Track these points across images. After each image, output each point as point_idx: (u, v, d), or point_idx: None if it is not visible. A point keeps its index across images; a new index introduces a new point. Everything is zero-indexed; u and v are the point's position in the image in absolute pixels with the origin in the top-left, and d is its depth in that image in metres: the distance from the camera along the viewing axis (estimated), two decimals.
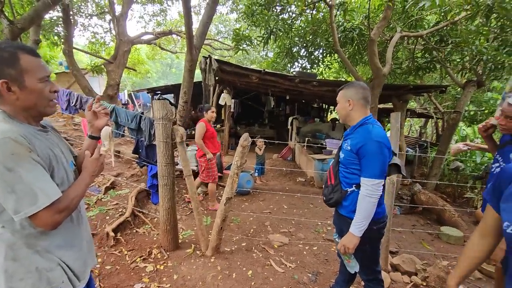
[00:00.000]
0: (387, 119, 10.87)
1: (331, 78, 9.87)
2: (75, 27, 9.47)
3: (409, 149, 7.50)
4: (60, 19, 7.66)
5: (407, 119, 11.95)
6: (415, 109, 9.54)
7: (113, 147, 4.53)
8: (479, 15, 4.09)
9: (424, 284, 2.58)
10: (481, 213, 4.52)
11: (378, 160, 1.55)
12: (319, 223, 3.77)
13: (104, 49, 11.33)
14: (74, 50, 8.07)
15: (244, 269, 2.64)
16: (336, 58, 7.08)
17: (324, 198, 1.85)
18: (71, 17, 7.58)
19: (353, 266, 1.75)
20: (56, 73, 11.80)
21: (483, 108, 7.48)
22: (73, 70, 7.62)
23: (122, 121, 3.28)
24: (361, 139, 1.60)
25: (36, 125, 1.06)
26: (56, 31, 8.10)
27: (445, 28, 4.96)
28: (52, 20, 8.01)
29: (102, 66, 8.94)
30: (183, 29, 11.80)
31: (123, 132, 3.55)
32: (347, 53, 6.46)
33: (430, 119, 10.92)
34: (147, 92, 12.42)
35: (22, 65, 0.95)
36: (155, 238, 3.10)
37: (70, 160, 1.15)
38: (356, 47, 6.07)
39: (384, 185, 1.71)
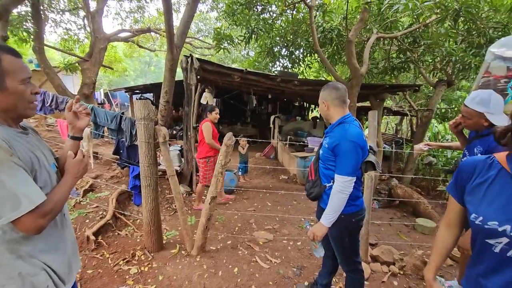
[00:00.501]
0: (365, 117, 11.27)
1: (312, 78, 10.06)
2: (46, 23, 8.99)
3: (386, 146, 7.83)
4: (29, 14, 7.25)
5: (384, 117, 12.44)
6: (391, 107, 9.96)
7: (91, 148, 4.38)
8: (448, 18, 4.35)
9: (401, 272, 2.73)
10: None
11: (350, 159, 1.65)
12: (303, 219, 3.86)
13: (78, 46, 10.83)
14: (45, 47, 7.66)
15: (230, 266, 2.67)
16: (316, 57, 7.23)
17: (306, 192, 1.94)
18: (41, 13, 7.19)
19: (319, 252, 1.90)
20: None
21: (453, 106, 7.95)
22: (44, 68, 7.23)
23: (102, 121, 3.18)
24: (337, 137, 1.69)
25: (16, 127, 1.03)
26: (25, 27, 7.65)
27: (417, 30, 5.23)
28: (21, 15, 7.56)
29: (77, 64, 8.56)
30: (162, 26, 11.56)
31: (102, 132, 3.45)
32: (326, 53, 6.62)
33: (405, 117, 11.44)
34: (125, 91, 12.06)
35: (4, 66, 0.92)
36: (138, 240, 3.05)
37: (52, 162, 1.12)
38: (335, 47, 6.23)
39: (361, 181, 1.81)
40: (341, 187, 1.64)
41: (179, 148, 5.16)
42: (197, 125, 7.63)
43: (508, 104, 1.76)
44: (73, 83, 12.59)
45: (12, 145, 0.91)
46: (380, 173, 5.99)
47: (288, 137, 7.27)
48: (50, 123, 7.43)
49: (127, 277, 2.44)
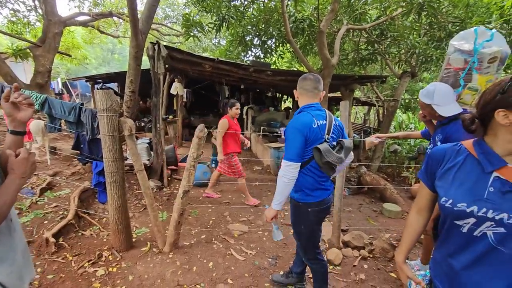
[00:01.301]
0: (336, 107, 11.60)
1: (284, 68, 10.07)
2: None
3: (355, 135, 8.12)
4: None
5: (353, 107, 12.89)
6: (359, 98, 10.33)
7: (47, 143, 4.00)
8: (413, 12, 4.52)
9: (371, 256, 2.86)
10: (415, 189, 5.12)
11: (289, 144, 1.69)
12: (266, 206, 3.88)
13: (29, 30, 9.77)
14: None
15: (205, 261, 2.61)
16: (288, 48, 7.21)
17: None
18: None
19: (274, 234, 2.01)
20: None
21: (416, 97, 8.42)
22: None
23: (58, 113, 2.89)
24: (287, 125, 1.76)
25: None
26: None
27: (384, 22, 5.39)
28: None
29: (28, 50, 7.73)
30: (126, 11, 10.79)
31: (59, 126, 3.14)
32: (298, 43, 6.62)
33: (373, 107, 11.95)
34: (86, 81, 11.19)
35: None
36: (105, 240, 2.86)
37: None
38: (307, 37, 6.24)
39: (323, 173, 1.76)
40: (282, 171, 1.70)
41: (148, 141, 4.91)
42: (167, 116, 7.34)
43: (462, 94, 1.86)
44: (24, 71, 11.43)
45: None
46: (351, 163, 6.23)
47: (261, 127, 7.25)
48: None
49: (93, 279, 2.28)
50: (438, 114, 1.84)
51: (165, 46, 4.38)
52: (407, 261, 1.17)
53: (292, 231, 2.17)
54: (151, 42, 4.31)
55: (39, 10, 8.70)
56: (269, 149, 6.02)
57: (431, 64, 5.69)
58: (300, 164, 1.69)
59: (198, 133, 2.40)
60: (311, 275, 2.42)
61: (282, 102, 13.46)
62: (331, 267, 2.63)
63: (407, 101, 8.68)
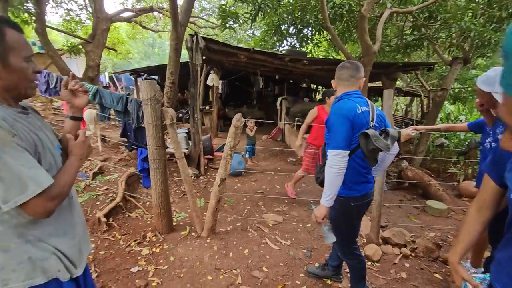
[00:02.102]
0: (374, 98, 10.99)
1: (320, 57, 9.75)
2: (47, 3, 8.78)
3: (395, 128, 7.65)
4: None
5: (393, 97, 12.13)
6: (401, 88, 9.65)
7: (99, 131, 4.36)
8: None
9: (413, 254, 2.71)
10: (463, 187, 4.71)
11: (336, 132, 1.58)
12: (312, 201, 3.83)
13: (80, 27, 10.62)
14: (48, 29, 7.52)
15: (240, 248, 2.68)
16: (325, 36, 6.94)
17: (315, 176, 1.88)
18: None
19: (327, 237, 1.77)
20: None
21: (467, 86, 7.64)
22: (48, 51, 7.14)
23: (107, 103, 3.13)
24: (329, 114, 1.66)
25: (16, 107, 0.96)
26: (26, 7, 7.47)
27: (434, 4, 4.91)
28: None
29: (80, 47, 8.41)
30: (165, 5, 11.18)
31: (109, 115, 3.40)
32: (336, 30, 6.33)
33: (415, 98, 11.11)
34: (130, 74, 11.91)
35: (8, 42, 0.85)
36: (148, 222, 3.07)
37: (56, 144, 1.07)
38: (346, 24, 5.94)
39: (368, 164, 1.68)
40: (330, 161, 1.57)
41: (186, 131, 5.11)
42: (204, 107, 7.55)
43: None
44: (77, 66, 12.48)
45: (14, 126, 0.85)
46: (398, 155, 5.89)
47: (296, 119, 7.14)
48: (56, 106, 7.42)
49: (139, 258, 2.47)
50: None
51: (202, 37, 4.47)
52: (461, 262, 1.07)
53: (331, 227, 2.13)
54: (189, 34, 4.42)
55: (89, 8, 9.37)
56: (304, 140, 5.91)
57: (487, 48, 5.09)
58: (348, 152, 1.58)
59: (235, 122, 2.43)
60: (348, 270, 2.38)
61: (317, 93, 13.10)
62: (369, 263, 2.55)
63: (456, 90, 7.91)
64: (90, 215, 3.02)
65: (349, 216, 1.77)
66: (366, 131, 1.56)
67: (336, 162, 1.55)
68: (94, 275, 2.19)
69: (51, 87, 3.36)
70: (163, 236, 2.81)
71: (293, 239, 2.90)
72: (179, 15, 3.75)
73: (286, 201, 3.86)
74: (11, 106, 0.93)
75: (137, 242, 2.69)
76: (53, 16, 32.56)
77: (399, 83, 10.91)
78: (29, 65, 0.93)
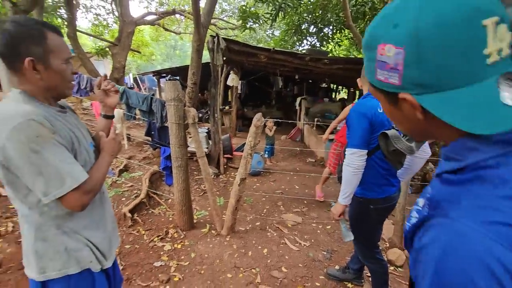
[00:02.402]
0: None
1: (341, 56, 9.56)
2: (78, 9, 9.28)
3: None
4: (62, 0, 7.49)
5: None
6: None
7: (125, 130, 4.55)
8: None
9: None
10: None
11: (354, 131, 1.56)
12: (332, 203, 3.76)
13: (107, 31, 11.13)
14: (78, 33, 7.94)
15: (260, 247, 2.69)
16: (346, 34, 6.81)
17: (337, 176, 1.84)
18: None
19: (345, 236, 1.75)
20: None
21: None
22: (78, 54, 7.54)
23: (133, 102, 3.26)
24: (349, 111, 1.63)
25: (55, 106, 1.03)
26: (59, 13, 7.95)
27: None
28: (54, 2, 7.84)
29: (107, 49, 8.82)
30: (187, 8, 11.45)
31: (134, 114, 3.54)
32: (358, 29, 6.19)
33: None
34: (153, 75, 12.30)
35: (49, 44, 0.91)
36: (170, 219, 3.16)
37: (90, 141, 1.13)
38: (368, 22, 5.80)
39: (390, 167, 1.61)
40: (347, 159, 1.56)
41: (206, 131, 5.20)
42: (224, 107, 7.66)
43: None
44: (104, 68, 13.07)
45: (53, 124, 0.91)
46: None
47: (315, 119, 7.06)
48: (85, 106, 7.82)
49: (161, 253, 2.55)
50: None
51: (223, 38, 4.54)
52: None
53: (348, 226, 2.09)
54: (211, 36, 4.50)
55: (116, 13, 9.78)
56: None
57: None
58: (366, 151, 1.56)
59: (255, 122, 2.45)
60: (369, 273, 2.32)
61: (337, 93, 12.86)
62: (391, 268, 2.47)
63: None
64: (116, 210, 3.15)
65: (369, 218, 1.72)
66: (386, 131, 1.48)
67: (353, 161, 1.54)
68: (120, 268, 2.28)
69: (82, 88, 3.55)
70: (184, 232, 2.88)
71: (313, 241, 2.87)
72: (201, 17, 3.83)
73: (305, 201, 3.83)
74: (51, 105, 1.00)
75: (159, 237, 2.78)
76: (83, 21, 34.32)
77: None
78: (67, 67, 0.98)
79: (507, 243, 0.34)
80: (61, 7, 7.89)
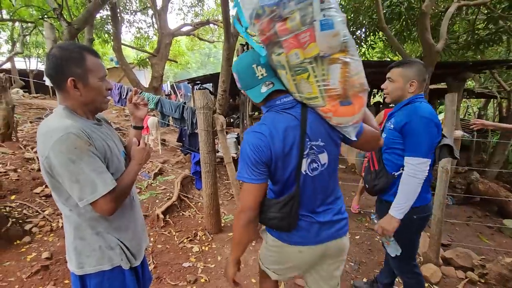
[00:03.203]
0: (438, 101, 9.88)
1: (375, 59, 9.20)
2: (122, 24, 10.11)
3: (465, 134, 6.78)
4: (109, 17, 8.22)
5: (464, 100, 10.72)
6: (473, 89, 8.50)
7: (159, 136, 4.85)
8: None
9: (483, 281, 2.37)
10: None
11: (424, 138, 1.45)
12: (362, 212, 3.64)
13: (148, 43, 11.95)
14: (122, 46, 8.65)
15: None
16: (380, 36, 6.55)
17: (367, 186, 1.75)
18: (118, 15, 8.09)
19: (393, 250, 1.64)
20: (107, 69, 12.86)
21: None
22: (122, 65, 8.20)
23: (167, 111, 3.48)
24: (405, 116, 1.51)
25: (92, 119, 1.16)
26: (106, 29, 8.74)
27: None
28: (102, 19, 8.64)
29: (147, 60, 9.47)
30: (220, 18, 11.89)
31: (168, 121, 3.77)
32: (393, 30, 5.93)
33: (492, 100, 9.66)
34: (188, 83, 12.91)
35: (87, 65, 1.04)
36: (199, 221, 3.29)
37: (122, 150, 1.25)
38: (404, 22, 5.53)
39: (433, 170, 1.57)
40: (413, 170, 1.44)
41: (236, 136, 5.33)
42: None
43: None
44: (145, 77, 14.04)
45: (90, 136, 1.03)
46: (457, 162, 5.23)
47: None
48: (127, 113, 8.47)
49: (190, 254, 2.67)
50: None
51: None
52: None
53: (378, 237, 2.01)
54: (240, 44, 4.63)
55: (155, 26, 10.49)
56: None
57: None
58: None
59: None
60: None
61: (371, 97, 12.33)
62: (426, 284, 2.31)
63: None
64: (151, 212, 3.37)
65: (410, 229, 1.63)
66: (449, 143, 1.50)
67: (419, 171, 1.44)
68: (151, 266, 2.44)
69: (123, 98, 3.87)
70: (212, 235, 2.98)
71: None
72: (231, 26, 3.96)
73: None
74: (89, 118, 1.13)
75: (189, 239, 2.91)
76: (126, 35, 37.20)
77: (470, 84, 9.65)
78: (103, 84, 1.11)
79: (254, 140, 1.06)
80: (108, 23, 8.67)
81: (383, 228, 1.55)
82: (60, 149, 0.94)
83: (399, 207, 1.49)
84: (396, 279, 2.31)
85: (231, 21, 4.09)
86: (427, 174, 1.46)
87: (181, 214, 3.46)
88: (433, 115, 1.47)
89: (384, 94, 1.69)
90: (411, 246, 1.70)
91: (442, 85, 8.02)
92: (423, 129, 1.45)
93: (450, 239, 3.18)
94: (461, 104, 12.31)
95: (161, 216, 3.17)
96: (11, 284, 2.04)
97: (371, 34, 6.37)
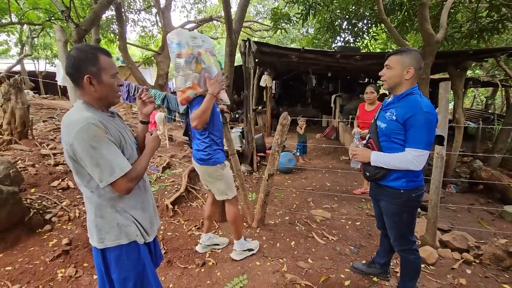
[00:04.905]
0: (430, 90, 9.80)
1: (378, 50, 9.17)
2: (127, 23, 10.28)
3: (470, 122, 6.77)
4: (114, 17, 8.39)
5: (471, 89, 10.58)
6: (479, 78, 8.41)
7: (166, 131, 5.01)
8: None
9: (477, 261, 2.47)
10: None
11: (427, 131, 1.55)
12: (363, 200, 3.75)
13: (152, 41, 12.11)
14: (128, 45, 8.82)
15: (288, 239, 2.83)
16: (383, 28, 6.55)
17: (368, 173, 1.82)
18: (123, 14, 8.25)
19: (355, 164, 1.96)
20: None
21: None
22: (128, 64, 8.38)
23: (173, 106, 3.62)
24: (409, 109, 1.58)
25: (107, 112, 1.30)
26: (111, 29, 8.92)
27: None
28: (108, 19, 8.81)
29: (152, 58, 9.63)
30: (223, 14, 11.93)
31: (174, 116, 3.92)
32: (395, 20, 5.94)
33: (500, 88, 9.55)
34: None
35: (101, 64, 1.18)
36: None
37: (133, 140, 1.40)
38: (406, 13, 5.54)
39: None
40: (416, 160, 1.56)
41: (241, 130, 5.46)
42: (257, 107, 7.88)
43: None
44: (150, 75, 14.23)
45: (106, 126, 1.17)
46: (462, 151, 5.26)
47: (351, 116, 6.91)
48: (135, 111, 8.67)
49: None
50: None
51: (254, 41, 4.74)
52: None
53: (376, 223, 2.13)
54: (243, 40, 4.74)
55: (159, 24, 10.62)
56: None
57: None
58: None
59: (281, 121, 2.60)
60: (396, 269, 2.32)
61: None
62: (423, 265, 2.42)
63: None
64: (160, 202, 3.54)
65: (411, 207, 1.77)
66: (440, 134, 1.62)
67: (421, 162, 1.57)
68: (162, 251, 2.61)
69: (131, 95, 4.04)
70: (218, 224, 3.13)
71: (341, 235, 2.92)
72: (233, 23, 4.07)
73: (335, 198, 3.85)
74: (104, 111, 1.28)
75: (196, 227, 3.07)
76: (131, 34, 37.42)
77: (479, 73, 9.53)
78: (115, 80, 1.25)
79: None
80: (113, 23, 8.84)
81: (356, 153, 1.81)
82: (82, 137, 1.09)
83: (379, 161, 1.69)
84: (394, 261, 2.43)
85: (232, 17, 4.19)
86: (424, 165, 1.58)
87: (189, 204, 3.62)
88: (434, 110, 1.58)
89: (382, 81, 1.75)
90: (411, 222, 1.83)
91: (441, 75, 7.96)
92: (427, 124, 1.54)
93: (451, 224, 3.26)
94: (468, 93, 12.15)
95: (170, 206, 3.34)
96: (36, 266, 2.24)
97: (373, 25, 6.39)
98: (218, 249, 2.67)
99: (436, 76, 8.14)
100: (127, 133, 1.34)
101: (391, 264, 2.32)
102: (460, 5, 5.42)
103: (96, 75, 1.17)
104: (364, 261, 2.45)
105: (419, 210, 3.31)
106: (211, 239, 2.67)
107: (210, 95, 1.98)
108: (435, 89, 2.81)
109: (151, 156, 1.38)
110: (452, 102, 5.98)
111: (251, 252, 2.55)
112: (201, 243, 2.65)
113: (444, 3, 4.66)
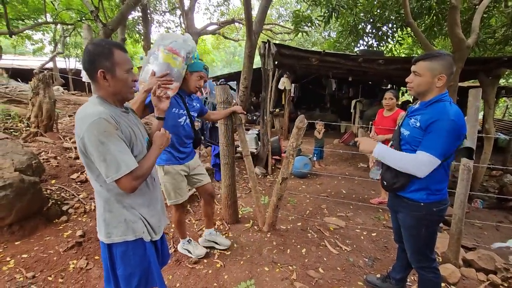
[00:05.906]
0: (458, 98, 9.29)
1: (403, 55, 8.85)
2: (152, 24, 10.60)
3: (501, 134, 6.35)
4: (140, 18, 8.68)
5: (503, 98, 9.95)
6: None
7: None
8: None
9: (506, 285, 2.27)
10: None
11: (446, 139, 1.41)
12: (380, 210, 3.59)
13: None
14: (151, 46, 9.08)
15: (298, 246, 2.74)
16: (408, 32, 6.30)
17: (385, 183, 1.72)
18: (148, 16, 8.51)
19: (374, 173, 1.89)
20: (138, 67, 13.50)
21: None
22: None
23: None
24: (434, 114, 1.45)
25: (121, 107, 1.30)
26: (137, 29, 9.22)
27: None
28: (134, 20, 9.12)
29: None
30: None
31: None
32: (423, 25, 5.71)
33: None
34: (213, 81, 13.24)
35: (115, 59, 1.17)
36: (218, 212, 3.42)
37: (146, 137, 1.39)
38: (435, 17, 5.30)
39: (449, 169, 1.56)
40: (422, 165, 1.43)
41: (257, 132, 5.43)
42: (274, 109, 7.82)
43: None
44: None
45: (118, 122, 1.17)
46: (491, 165, 4.93)
47: (371, 122, 6.69)
48: None
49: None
50: None
51: (274, 43, 4.71)
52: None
53: (393, 236, 2.01)
54: (262, 42, 4.72)
55: (183, 25, 10.87)
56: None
57: None
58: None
59: (297, 124, 2.53)
60: (414, 286, 2.18)
61: (400, 95, 11.86)
62: (443, 284, 2.26)
63: None
64: None
65: (431, 222, 1.63)
66: (470, 146, 1.52)
67: (426, 167, 1.44)
68: (171, 250, 2.61)
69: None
70: (229, 225, 3.11)
71: (354, 246, 2.79)
72: (253, 25, 4.07)
73: (351, 206, 3.71)
74: (117, 106, 1.27)
75: None
76: (155, 35, 38.66)
77: (511, 82, 8.95)
78: (129, 76, 1.24)
79: None
80: (139, 24, 9.14)
81: (360, 141, 1.73)
82: (92, 132, 1.09)
83: (382, 154, 1.58)
84: (411, 277, 2.29)
85: (253, 19, 4.19)
86: (427, 173, 1.45)
87: (200, 204, 3.62)
88: (462, 121, 1.43)
89: (407, 87, 1.63)
90: (430, 238, 1.69)
91: (472, 83, 7.53)
92: (450, 131, 1.40)
93: (476, 242, 3.05)
94: (500, 103, 11.44)
95: None
96: (50, 256, 2.31)
97: (399, 29, 6.17)
98: (217, 248, 2.64)
99: (465, 83, 7.73)
100: (139, 129, 1.33)
101: (408, 280, 2.18)
102: (495, 9, 5.10)
103: (110, 69, 1.17)
104: (378, 275, 2.33)
105: (441, 224, 3.11)
106: (212, 235, 2.68)
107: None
108: (464, 98, 2.62)
109: (158, 155, 1.35)
110: (482, 112, 5.65)
111: (193, 255, 2.50)
112: (203, 236, 2.71)
113: (477, 7, 4.41)
